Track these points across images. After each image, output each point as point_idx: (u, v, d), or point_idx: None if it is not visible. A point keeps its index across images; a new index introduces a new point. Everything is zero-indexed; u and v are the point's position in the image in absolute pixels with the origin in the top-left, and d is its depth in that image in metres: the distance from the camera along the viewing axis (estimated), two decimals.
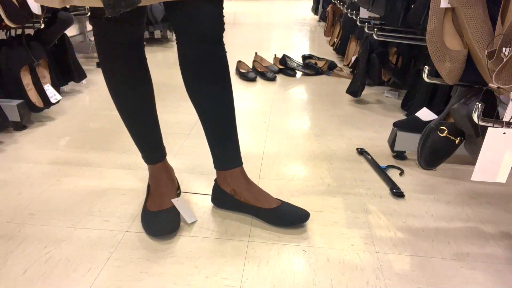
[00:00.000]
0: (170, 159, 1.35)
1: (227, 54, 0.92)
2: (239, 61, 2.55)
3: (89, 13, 0.88)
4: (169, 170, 1.09)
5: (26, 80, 1.60)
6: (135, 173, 1.25)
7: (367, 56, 1.94)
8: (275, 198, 1.05)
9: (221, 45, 0.90)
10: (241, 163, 1.04)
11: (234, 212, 1.06)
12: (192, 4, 0.81)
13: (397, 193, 1.17)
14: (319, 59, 2.69)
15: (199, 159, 1.36)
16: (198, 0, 0.81)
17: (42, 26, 1.62)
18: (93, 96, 2.00)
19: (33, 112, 1.62)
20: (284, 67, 2.56)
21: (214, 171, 1.06)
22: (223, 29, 0.88)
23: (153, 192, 1.05)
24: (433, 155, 1.14)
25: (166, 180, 1.06)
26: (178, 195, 1.09)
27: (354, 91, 2.00)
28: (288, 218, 1.00)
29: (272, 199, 1.03)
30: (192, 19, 0.83)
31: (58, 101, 1.69)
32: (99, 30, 0.88)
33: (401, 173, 1.31)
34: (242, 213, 1.05)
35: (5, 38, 1.61)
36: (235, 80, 2.36)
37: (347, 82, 2.40)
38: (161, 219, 0.98)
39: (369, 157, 1.41)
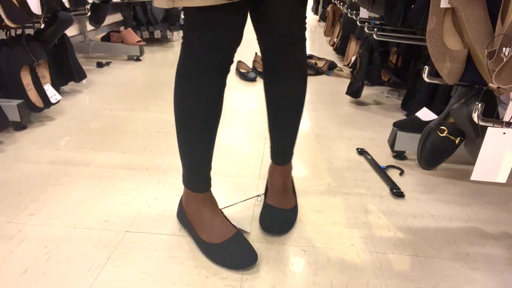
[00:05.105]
0: (170, 159, 1.35)
1: None
2: (239, 61, 2.55)
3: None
4: (214, 201, 0.97)
5: (26, 80, 1.60)
6: (135, 173, 1.25)
7: (368, 56, 1.94)
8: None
9: (304, 42, 0.91)
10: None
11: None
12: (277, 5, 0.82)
13: (397, 193, 1.17)
14: (319, 59, 2.69)
15: None
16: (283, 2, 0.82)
17: (42, 26, 1.62)
18: (93, 96, 2.00)
19: (33, 112, 1.62)
20: None
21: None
22: (305, 29, 0.90)
23: (205, 223, 0.93)
24: (433, 155, 1.14)
25: (212, 207, 0.95)
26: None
27: (354, 91, 1.99)
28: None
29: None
30: (276, 20, 0.84)
31: (58, 101, 1.69)
32: (190, 41, 0.80)
33: (401, 173, 1.31)
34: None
35: (5, 38, 1.61)
36: (235, 80, 2.36)
37: (347, 82, 2.40)
38: (235, 250, 0.88)
39: (369, 157, 1.41)
